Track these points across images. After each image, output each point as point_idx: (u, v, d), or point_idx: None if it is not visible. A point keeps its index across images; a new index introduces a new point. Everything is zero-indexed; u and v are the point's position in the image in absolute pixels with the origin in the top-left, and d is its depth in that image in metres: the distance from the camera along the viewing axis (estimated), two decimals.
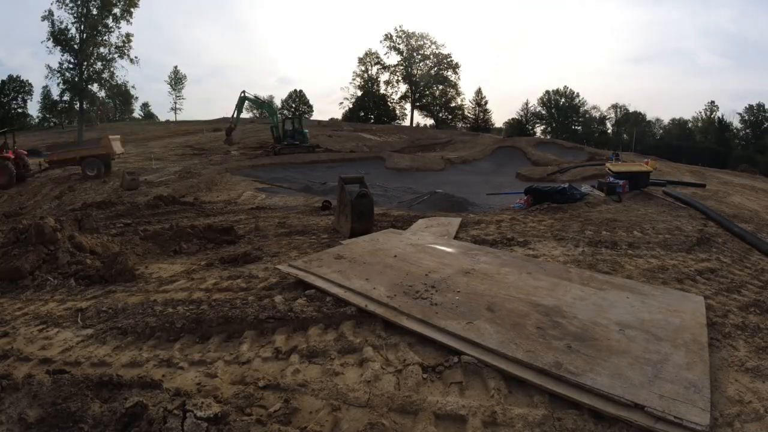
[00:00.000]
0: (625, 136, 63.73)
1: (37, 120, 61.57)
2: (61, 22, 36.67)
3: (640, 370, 2.35)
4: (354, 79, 66.45)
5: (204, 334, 3.06)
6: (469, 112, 70.08)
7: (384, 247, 4.85)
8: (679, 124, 69.86)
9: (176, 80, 75.66)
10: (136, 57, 39.62)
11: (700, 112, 66.01)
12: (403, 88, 64.81)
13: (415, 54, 63.24)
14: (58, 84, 38.51)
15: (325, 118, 64.82)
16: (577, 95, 71.44)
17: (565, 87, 72.27)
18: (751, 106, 61.01)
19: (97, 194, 13.16)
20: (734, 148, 56.49)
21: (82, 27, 36.94)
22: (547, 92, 72.85)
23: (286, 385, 2.37)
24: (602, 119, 73.94)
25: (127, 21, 38.32)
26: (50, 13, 36.41)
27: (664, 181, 12.85)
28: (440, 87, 64.54)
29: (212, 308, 3.33)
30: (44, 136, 41.29)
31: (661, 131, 72.01)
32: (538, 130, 73.04)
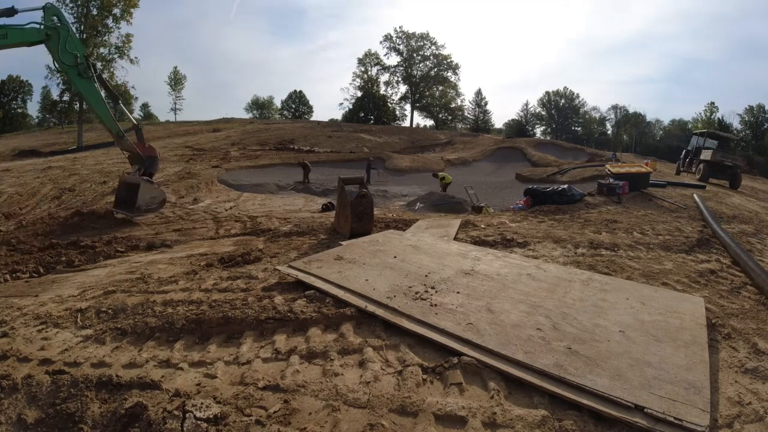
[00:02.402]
0: (625, 137, 63.84)
1: (36, 120, 61.61)
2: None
3: (640, 372, 2.35)
4: (354, 80, 66.54)
5: (204, 334, 3.05)
6: (468, 113, 70.21)
7: (384, 248, 4.85)
8: (679, 125, 69.93)
9: (176, 81, 75.63)
10: (135, 57, 39.63)
11: (700, 113, 66.07)
12: (402, 89, 64.92)
13: (415, 55, 63.33)
14: (57, 84, 38.52)
15: (325, 118, 64.84)
16: (577, 96, 71.57)
17: (565, 88, 72.42)
18: (751, 107, 61.10)
19: (97, 195, 13.14)
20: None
21: (82, 27, 36.94)
22: (547, 93, 73.00)
23: (286, 385, 2.37)
24: (602, 120, 74.05)
25: (127, 21, 38.32)
26: None
27: (664, 182, 12.87)
28: (440, 88, 64.61)
29: (212, 309, 3.33)
30: (44, 136, 41.28)
31: (661, 132, 72.09)
32: (538, 130, 73.19)
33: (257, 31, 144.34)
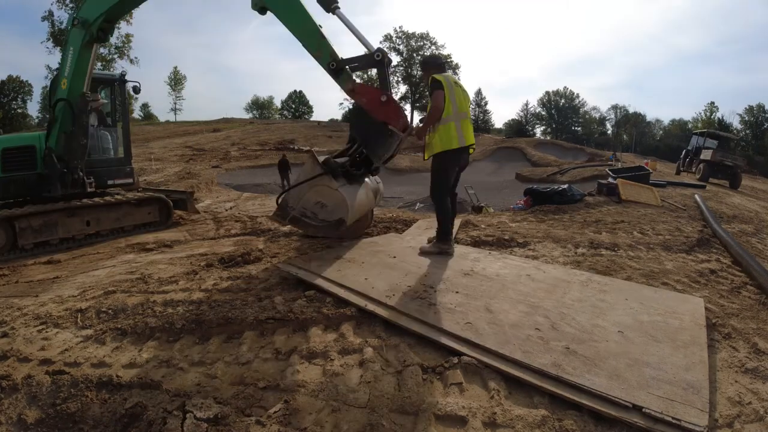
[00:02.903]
0: (625, 137, 63.88)
1: (37, 120, 61.61)
2: (61, 23, 36.73)
3: (638, 372, 2.35)
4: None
5: (204, 334, 3.06)
6: None
7: (383, 248, 4.85)
8: (679, 125, 69.93)
9: (176, 81, 75.66)
10: (135, 57, 39.73)
11: (700, 113, 66.11)
12: (403, 89, 64.87)
13: (415, 55, 63.32)
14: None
15: (325, 118, 64.81)
16: (577, 96, 71.58)
17: (565, 88, 72.44)
18: (751, 107, 61.20)
19: None
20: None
21: None
22: (547, 93, 73.04)
23: (286, 385, 2.37)
24: (602, 120, 74.06)
25: (127, 21, 38.39)
26: (50, 13, 36.49)
27: (664, 182, 12.88)
28: None
29: (212, 309, 3.33)
30: None
31: (661, 132, 72.10)
32: (538, 130, 73.23)
33: (265, 54, 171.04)
